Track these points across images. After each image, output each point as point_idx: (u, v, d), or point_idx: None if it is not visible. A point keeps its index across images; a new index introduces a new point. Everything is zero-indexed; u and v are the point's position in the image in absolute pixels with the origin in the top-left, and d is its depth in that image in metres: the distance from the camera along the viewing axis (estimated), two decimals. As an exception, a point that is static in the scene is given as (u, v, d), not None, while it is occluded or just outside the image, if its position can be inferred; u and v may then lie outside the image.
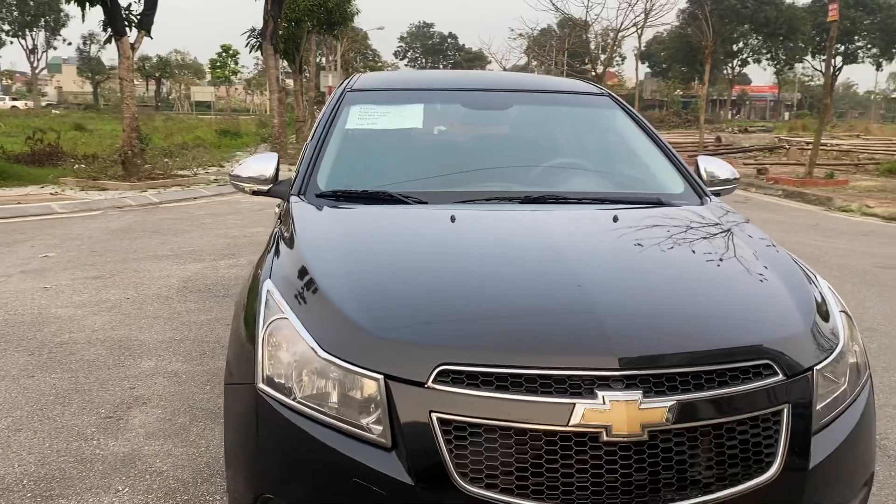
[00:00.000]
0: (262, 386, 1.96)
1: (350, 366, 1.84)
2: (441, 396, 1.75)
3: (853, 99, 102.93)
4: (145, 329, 4.84)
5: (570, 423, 1.71)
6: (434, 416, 1.74)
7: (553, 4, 26.69)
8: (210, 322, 5.00)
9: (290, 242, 2.43)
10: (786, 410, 1.84)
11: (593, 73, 29.74)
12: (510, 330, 1.90)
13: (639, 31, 26.22)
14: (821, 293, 2.28)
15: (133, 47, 13.02)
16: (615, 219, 2.65)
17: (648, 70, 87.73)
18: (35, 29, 72.82)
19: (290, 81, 31.81)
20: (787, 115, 77.55)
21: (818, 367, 1.93)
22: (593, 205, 2.82)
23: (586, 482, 1.71)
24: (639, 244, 2.42)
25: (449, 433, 1.73)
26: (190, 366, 4.18)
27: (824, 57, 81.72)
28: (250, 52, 24.93)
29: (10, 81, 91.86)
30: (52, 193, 11.78)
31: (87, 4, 12.36)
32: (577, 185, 3.06)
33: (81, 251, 7.39)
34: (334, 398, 1.87)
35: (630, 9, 30.89)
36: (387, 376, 1.79)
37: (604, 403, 1.71)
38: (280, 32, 20.13)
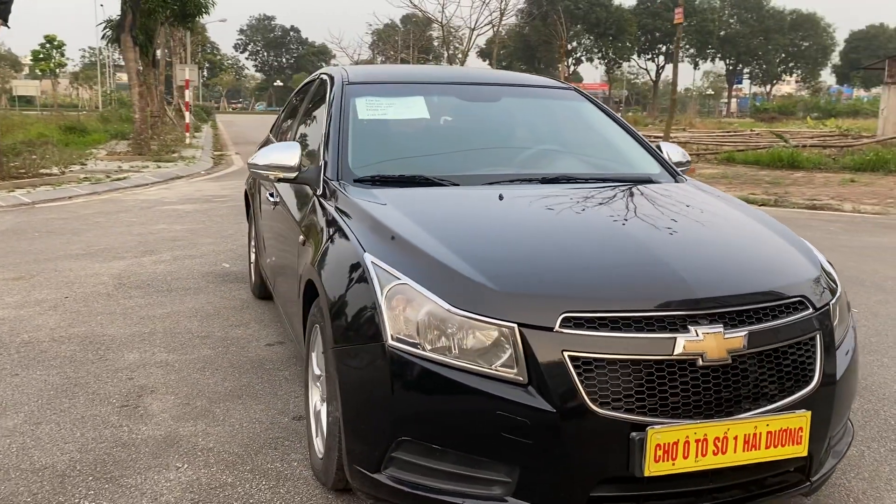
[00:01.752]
0: (392, 343, 2.23)
1: (483, 318, 2.16)
2: (569, 338, 2.11)
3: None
4: (106, 325, 4.78)
5: (674, 353, 2.12)
6: (566, 354, 2.10)
7: (410, 1, 27.05)
8: (170, 315, 5.01)
9: (368, 220, 2.68)
10: (818, 336, 2.35)
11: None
12: (615, 282, 2.29)
13: (496, 29, 27.32)
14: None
15: (-11, 37, 12.12)
16: (632, 194, 3.10)
17: (490, 68, 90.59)
18: None
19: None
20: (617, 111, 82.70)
21: (832, 302, 2.47)
22: (601, 184, 3.27)
23: (689, 399, 2.14)
24: (666, 213, 2.89)
25: (579, 367, 2.09)
26: (176, 356, 4.23)
27: (649, 56, 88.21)
28: (108, 44, 23.57)
29: None
30: None
31: (-64, -10, 11.39)
32: (580, 168, 3.51)
33: (-20, 253, 6.97)
34: (466, 346, 2.18)
35: (484, 6, 31.99)
36: (519, 324, 2.13)
37: (697, 336, 2.14)
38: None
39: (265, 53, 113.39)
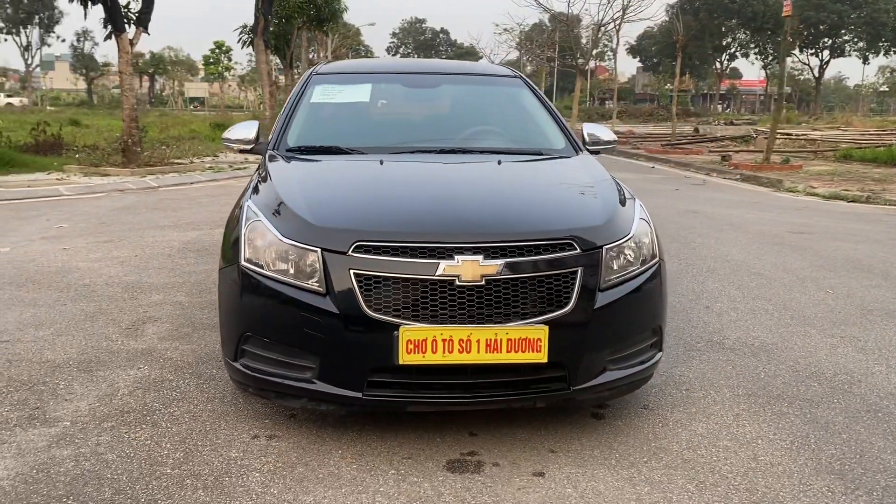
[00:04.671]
0: (244, 263, 2.97)
1: (300, 244, 2.85)
2: (357, 260, 2.76)
3: (844, 92, 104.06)
4: (153, 276, 5.84)
5: (435, 274, 2.72)
6: (352, 272, 2.75)
7: (536, 1, 27.63)
8: (207, 271, 6.00)
9: (265, 179, 3.44)
10: (580, 271, 2.85)
11: (586, 68, 30.56)
12: (400, 220, 2.93)
13: (617, 27, 27.32)
14: (634, 208, 3.29)
15: (132, 43, 13.97)
16: (499, 163, 3.67)
17: (640, 64, 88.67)
18: (29, 26, 73.76)
19: (282, 77, 33.06)
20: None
21: (606, 246, 2.95)
22: (488, 155, 3.85)
23: (446, 310, 2.73)
24: (506, 176, 3.45)
25: (361, 282, 2.74)
26: (191, 298, 5.18)
27: (812, 51, 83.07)
28: (242, 48, 25.90)
29: (3, 79, 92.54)
30: (57, 179, 12.71)
31: (90, 3, 13.31)
32: (482, 143, 4.10)
33: (91, 223, 8.37)
34: (292, 267, 2.88)
35: (609, 5, 31.93)
36: (323, 249, 2.81)
37: (457, 263, 2.73)
38: (270, 29, 21.07)
39: (416, 56, 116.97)
